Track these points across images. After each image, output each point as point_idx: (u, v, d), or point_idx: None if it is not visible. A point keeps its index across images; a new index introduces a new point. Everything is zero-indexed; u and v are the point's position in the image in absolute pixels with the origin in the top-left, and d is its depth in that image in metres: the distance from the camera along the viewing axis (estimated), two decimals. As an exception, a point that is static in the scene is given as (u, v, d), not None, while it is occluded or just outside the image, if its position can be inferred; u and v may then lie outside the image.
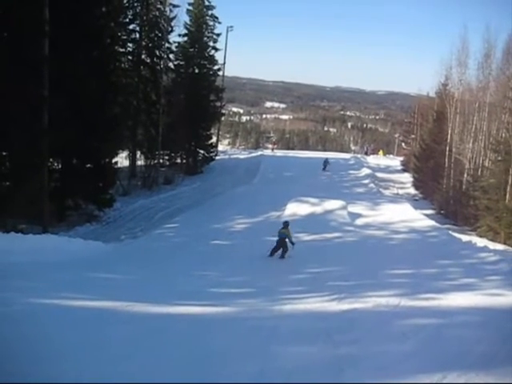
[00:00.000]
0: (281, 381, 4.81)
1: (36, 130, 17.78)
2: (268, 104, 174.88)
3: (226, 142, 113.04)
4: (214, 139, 43.41)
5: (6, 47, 16.74)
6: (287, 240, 13.88)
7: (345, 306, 7.83)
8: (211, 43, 39.49)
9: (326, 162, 39.37)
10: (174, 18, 34.38)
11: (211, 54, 39.64)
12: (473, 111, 31.42)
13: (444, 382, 4.87)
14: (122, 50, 30.57)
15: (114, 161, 23.84)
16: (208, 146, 40.22)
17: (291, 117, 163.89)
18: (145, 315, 6.76)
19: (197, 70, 38.90)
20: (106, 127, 21.54)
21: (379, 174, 41.46)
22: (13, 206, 16.75)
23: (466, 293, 8.85)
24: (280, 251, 13.82)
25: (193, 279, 10.42)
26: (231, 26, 45.13)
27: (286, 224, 14.28)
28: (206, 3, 38.80)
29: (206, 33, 39.15)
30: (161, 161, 34.85)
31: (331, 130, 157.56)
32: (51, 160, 20.04)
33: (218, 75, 42.03)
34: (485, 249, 15.19)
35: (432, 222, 21.14)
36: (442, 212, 30.83)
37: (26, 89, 16.94)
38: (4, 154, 18.95)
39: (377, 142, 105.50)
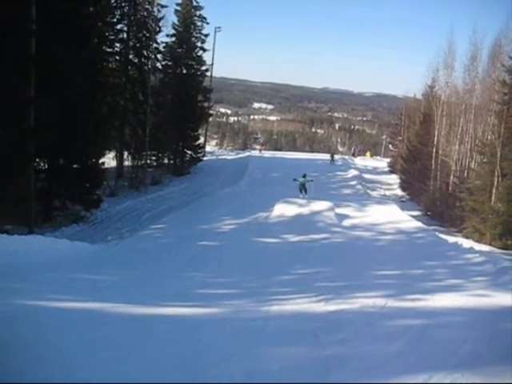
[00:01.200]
0: (268, 381, 4.80)
1: (22, 129, 17.65)
2: (256, 105, 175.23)
3: (213, 142, 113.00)
4: (201, 140, 43.37)
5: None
6: (307, 184, 23.27)
7: (332, 306, 7.85)
8: (199, 44, 39.42)
9: (332, 155, 45.78)
10: (161, 18, 34.25)
11: (199, 54, 39.58)
12: (459, 113, 31.64)
13: (430, 382, 4.89)
14: (109, 49, 30.40)
15: (101, 161, 23.69)
16: (195, 147, 40.15)
17: (279, 118, 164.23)
18: (131, 316, 6.73)
19: (184, 71, 38.80)
20: (94, 127, 21.41)
21: (366, 176, 41.64)
22: (-2, 207, 16.63)
23: (452, 294, 8.91)
24: (304, 193, 23.01)
25: (180, 280, 10.39)
26: (219, 27, 45.21)
27: (304, 175, 23.76)
28: (194, 4, 38.78)
29: (194, 33, 39.09)
30: (148, 161, 34.69)
31: (319, 131, 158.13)
32: (37, 160, 19.91)
33: (206, 76, 41.99)
34: (471, 250, 15.31)
35: (419, 224, 21.23)
36: (429, 213, 31.00)
37: (12, 88, 16.82)
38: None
39: (364, 144, 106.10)
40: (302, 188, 23.10)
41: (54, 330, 5.67)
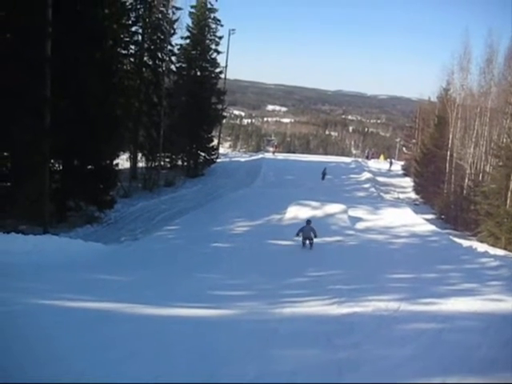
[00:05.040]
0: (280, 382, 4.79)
1: (38, 130, 17.81)
2: (269, 107, 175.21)
3: (227, 144, 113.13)
4: (215, 142, 43.42)
5: (9, 48, 16.75)
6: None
7: (345, 309, 7.82)
8: (213, 46, 39.52)
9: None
10: (176, 20, 34.43)
11: (213, 56, 39.66)
12: (474, 116, 31.44)
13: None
14: (124, 51, 30.57)
15: (115, 162, 23.85)
16: (209, 149, 40.19)
17: (292, 120, 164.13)
18: (144, 317, 6.75)
19: (199, 73, 38.93)
20: (108, 129, 21.53)
21: (380, 179, 41.48)
22: (13, 207, 16.78)
23: (467, 298, 8.83)
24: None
25: (193, 281, 10.40)
26: (233, 29, 45.24)
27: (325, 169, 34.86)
28: (209, 6, 38.86)
29: (208, 35, 39.19)
30: (162, 163, 34.87)
31: (332, 133, 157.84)
32: (52, 161, 20.05)
33: (220, 78, 42.00)
34: (485, 254, 15.16)
35: (433, 227, 21.11)
36: (443, 217, 30.83)
37: (29, 89, 16.97)
38: (5, 154, 18.97)
39: (378, 147, 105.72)
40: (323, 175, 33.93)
41: (68, 329, 5.71)
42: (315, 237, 15.69)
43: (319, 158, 52.25)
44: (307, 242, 15.63)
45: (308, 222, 16.35)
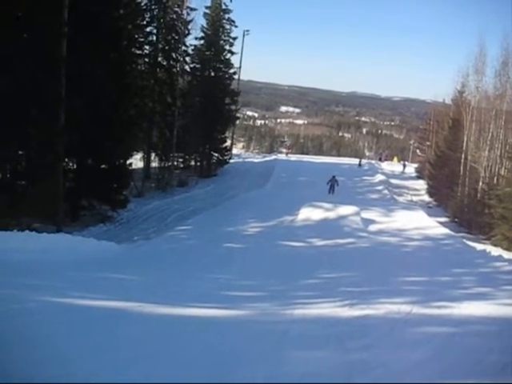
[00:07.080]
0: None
1: (52, 129, 17.94)
2: (283, 108, 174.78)
3: (240, 145, 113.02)
4: (228, 142, 43.56)
5: (25, 47, 16.89)
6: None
7: (356, 312, 7.76)
8: (227, 47, 39.75)
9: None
10: (190, 21, 34.63)
11: (227, 57, 39.86)
12: (489, 119, 31.17)
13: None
14: (138, 52, 30.81)
15: (128, 162, 23.94)
16: (222, 149, 40.33)
17: (306, 121, 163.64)
18: (155, 317, 6.76)
19: (213, 73, 39.09)
20: (122, 128, 21.64)
21: (393, 181, 41.30)
22: (27, 205, 16.90)
23: (480, 302, 8.73)
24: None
25: (205, 282, 10.41)
26: (247, 30, 45.40)
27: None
28: (223, 7, 39.03)
29: (223, 36, 39.37)
30: (175, 163, 35.01)
31: (346, 135, 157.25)
32: (66, 160, 20.19)
33: (234, 79, 42.18)
34: (499, 258, 15.01)
35: (446, 230, 20.99)
36: (456, 220, 30.60)
37: (44, 89, 17.10)
38: (20, 153, 19.13)
39: (391, 149, 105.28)
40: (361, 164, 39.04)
41: (79, 328, 5.72)
42: (337, 185, 29.65)
43: (333, 160, 52.19)
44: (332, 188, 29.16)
45: (333, 176, 30.09)
